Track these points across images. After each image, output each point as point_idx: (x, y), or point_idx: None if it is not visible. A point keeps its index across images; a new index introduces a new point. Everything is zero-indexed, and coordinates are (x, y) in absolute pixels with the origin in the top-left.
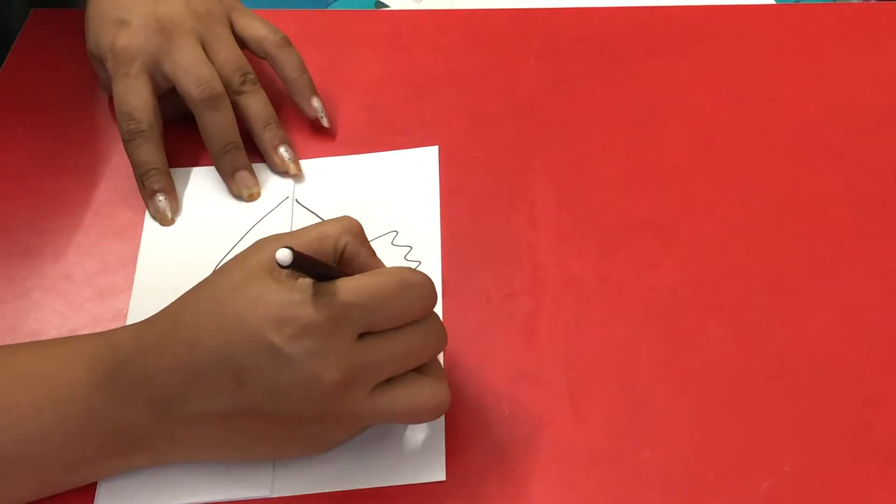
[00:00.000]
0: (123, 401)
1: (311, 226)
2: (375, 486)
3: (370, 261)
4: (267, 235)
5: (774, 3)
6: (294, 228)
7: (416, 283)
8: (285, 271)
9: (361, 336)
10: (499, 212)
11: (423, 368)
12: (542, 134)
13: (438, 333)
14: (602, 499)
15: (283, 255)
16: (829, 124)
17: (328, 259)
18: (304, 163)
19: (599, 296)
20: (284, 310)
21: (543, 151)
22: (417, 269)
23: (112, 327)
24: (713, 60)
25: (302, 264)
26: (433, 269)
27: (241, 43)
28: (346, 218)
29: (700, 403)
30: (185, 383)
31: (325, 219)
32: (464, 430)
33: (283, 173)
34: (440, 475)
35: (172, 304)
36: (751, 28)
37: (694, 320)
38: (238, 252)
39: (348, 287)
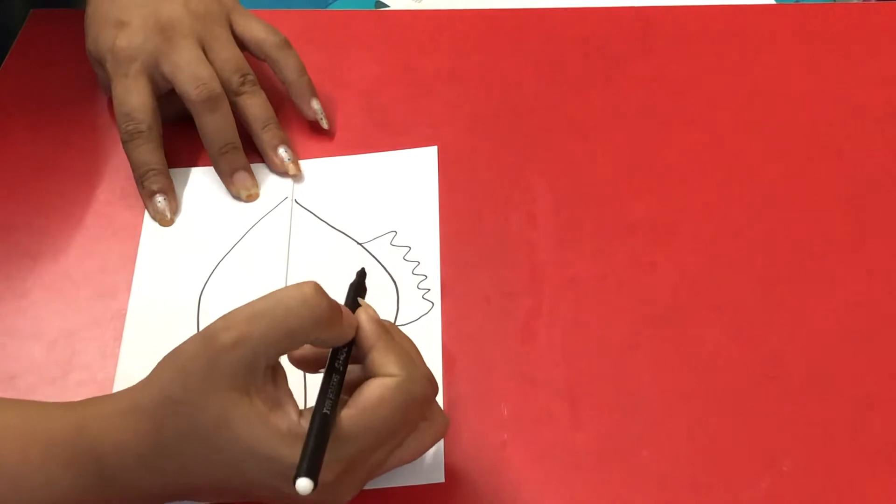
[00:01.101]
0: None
1: (275, 310)
2: (375, 486)
3: (338, 336)
4: (226, 314)
5: (774, 3)
6: (293, 230)
7: (420, 398)
8: (269, 387)
9: None
10: (498, 211)
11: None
12: (542, 134)
13: (432, 388)
14: (601, 499)
15: (304, 486)
16: (829, 124)
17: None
18: (303, 163)
19: (599, 295)
20: (290, 469)
21: (543, 151)
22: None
23: (111, 327)
24: (713, 60)
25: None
26: (432, 269)
27: (241, 44)
28: (309, 293)
29: (699, 403)
30: (181, 497)
31: (293, 283)
32: (463, 430)
33: (283, 174)
34: (439, 476)
35: (150, 412)
36: (751, 28)
37: (693, 320)
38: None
39: (352, 431)
